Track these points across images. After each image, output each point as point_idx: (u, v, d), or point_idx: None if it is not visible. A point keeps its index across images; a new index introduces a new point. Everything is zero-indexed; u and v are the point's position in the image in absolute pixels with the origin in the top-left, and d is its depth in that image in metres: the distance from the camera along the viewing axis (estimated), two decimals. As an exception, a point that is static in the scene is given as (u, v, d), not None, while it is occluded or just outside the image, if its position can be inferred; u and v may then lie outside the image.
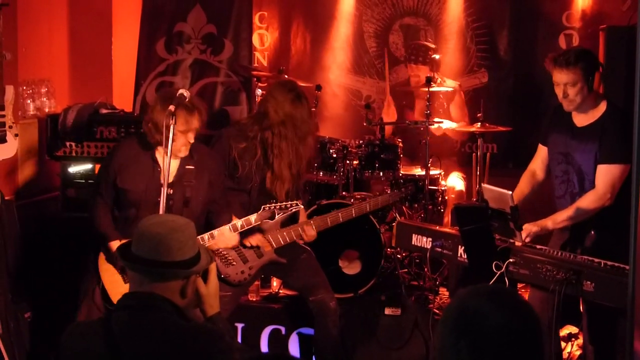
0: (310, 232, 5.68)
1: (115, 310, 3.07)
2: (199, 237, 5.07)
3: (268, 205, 5.23)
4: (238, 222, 5.24)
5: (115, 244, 5.10)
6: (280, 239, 5.63)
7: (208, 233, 5.20)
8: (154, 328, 2.97)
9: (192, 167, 5.22)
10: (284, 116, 5.54)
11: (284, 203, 5.25)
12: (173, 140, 4.76)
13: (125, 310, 3.04)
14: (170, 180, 5.10)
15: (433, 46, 7.89)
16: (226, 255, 5.52)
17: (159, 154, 5.16)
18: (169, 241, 3.08)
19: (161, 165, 5.10)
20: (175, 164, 5.19)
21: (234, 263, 5.56)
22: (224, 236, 5.26)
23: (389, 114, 8.24)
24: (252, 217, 5.23)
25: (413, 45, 8.14)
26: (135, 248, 3.12)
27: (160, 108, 5.00)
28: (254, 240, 5.56)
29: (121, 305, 3.08)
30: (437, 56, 7.80)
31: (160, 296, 3.04)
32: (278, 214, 5.22)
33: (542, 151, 5.33)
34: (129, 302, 3.07)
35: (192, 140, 5.12)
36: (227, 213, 5.39)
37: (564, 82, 4.93)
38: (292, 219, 5.70)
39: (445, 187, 7.27)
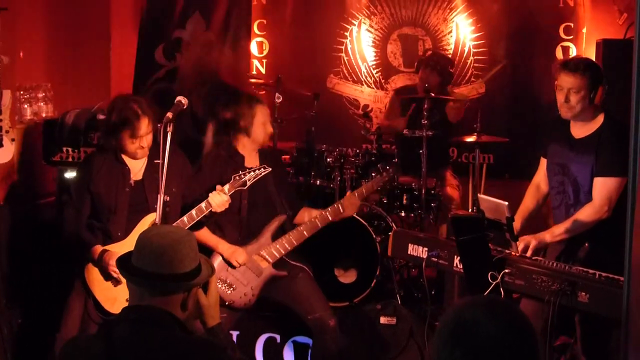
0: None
1: (116, 324, 3.03)
2: (195, 208, 5.20)
3: (238, 174, 5.28)
4: (223, 188, 5.26)
5: (98, 249, 5.18)
6: (275, 252, 5.62)
7: (204, 202, 5.23)
8: (155, 342, 2.93)
9: (159, 161, 5.25)
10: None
11: (253, 168, 5.31)
12: (126, 146, 5.16)
13: (126, 324, 2.99)
14: (141, 176, 5.31)
15: (452, 61, 7.89)
16: (226, 281, 5.52)
17: (125, 156, 5.30)
18: (171, 253, 3.04)
19: (129, 165, 5.29)
20: (142, 161, 5.32)
21: (236, 287, 5.55)
22: (216, 199, 5.23)
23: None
24: (226, 187, 5.26)
25: (434, 53, 8.19)
26: (136, 260, 3.08)
27: (118, 113, 5.15)
28: (239, 257, 5.54)
29: (121, 319, 3.04)
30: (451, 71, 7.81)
31: (161, 309, 3.00)
32: (249, 180, 5.26)
33: (543, 164, 5.35)
34: (129, 316, 3.02)
35: (144, 145, 5.18)
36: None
37: (568, 87, 4.93)
38: (282, 230, 5.72)
39: (442, 198, 7.26)
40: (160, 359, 2.91)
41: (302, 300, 5.68)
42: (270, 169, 5.41)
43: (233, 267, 5.55)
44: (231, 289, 5.53)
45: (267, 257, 5.60)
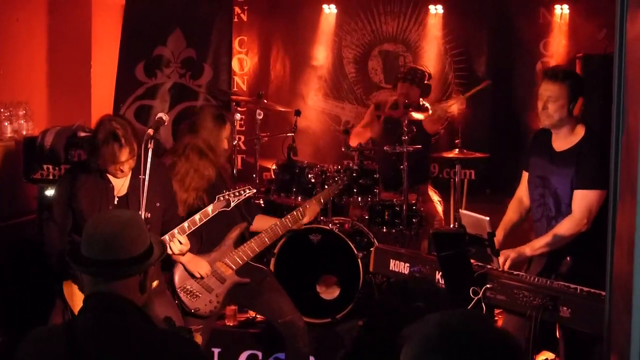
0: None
1: (78, 314, 3.03)
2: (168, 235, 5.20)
3: (222, 195, 5.31)
4: (196, 216, 5.28)
5: None
6: (238, 259, 5.65)
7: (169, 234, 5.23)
8: (121, 332, 2.93)
9: (143, 177, 5.21)
10: None
11: (237, 190, 5.35)
12: (107, 167, 5.03)
13: (88, 313, 2.99)
14: (124, 192, 5.22)
15: (428, 72, 7.89)
16: (190, 289, 5.53)
17: (109, 174, 5.21)
18: (122, 237, 3.04)
19: (112, 182, 5.18)
20: (127, 177, 5.25)
21: (200, 295, 5.56)
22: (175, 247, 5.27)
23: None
24: (209, 208, 5.31)
25: (410, 67, 8.22)
26: (87, 250, 3.05)
27: (101, 137, 5.04)
28: (202, 269, 5.54)
29: (83, 308, 3.03)
30: (429, 84, 7.80)
31: (121, 297, 3.00)
32: (233, 201, 5.33)
33: (526, 177, 5.36)
34: (90, 304, 3.02)
35: (125, 170, 5.13)
36: (177, 220, 5.37)
37: (547, 95, 4.95)
38: (242, 239, 5.75)
39: (424, 214, 7.26)
40: (127, 349, 2.90)
41: (271, 305, 5.75)
42: (255, 190, 5.45)
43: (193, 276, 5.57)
44: (196, 297, 5.54)
45: (230, 264, 5.64)
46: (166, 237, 5.21)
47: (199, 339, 3.35)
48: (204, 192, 5.58)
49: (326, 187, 6.71)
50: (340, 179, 6.65)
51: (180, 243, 5.23)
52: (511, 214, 5.37)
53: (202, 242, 5.66)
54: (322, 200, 6.18)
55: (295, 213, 5.86)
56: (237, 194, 5.35)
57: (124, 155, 5.03)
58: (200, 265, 5.54)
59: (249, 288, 5.73)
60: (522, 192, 5.39)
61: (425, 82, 7.73)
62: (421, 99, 7.65)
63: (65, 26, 8.16)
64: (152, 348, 2.92)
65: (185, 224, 5.26)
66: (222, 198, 5.33)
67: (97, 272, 3.03)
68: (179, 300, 5.52)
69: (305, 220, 5.92)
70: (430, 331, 2.24)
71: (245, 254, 5.67)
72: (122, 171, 5.12)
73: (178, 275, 5.54)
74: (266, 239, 5.74)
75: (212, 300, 5.59)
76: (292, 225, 5.89)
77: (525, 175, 5.37)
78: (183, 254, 5.35)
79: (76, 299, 5.18)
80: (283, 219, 5.83)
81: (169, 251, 5.25)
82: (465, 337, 2.20)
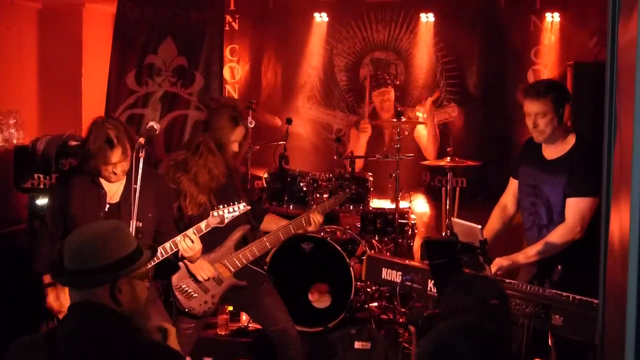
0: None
1: (61, 322, 3.08)
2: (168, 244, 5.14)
3: (216, 210, 5.28)
4: (189, 231, 5.22)
5: None
6: (237, 261, 5.61)
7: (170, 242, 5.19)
8: (102, 340, 2.93)
9: (137, 186, 5.16)
10: None
11: (232, 206, 5.30)
12: (100, 171, 4.96)
13: (71, 321, 3.00)
14: (117, 200, 5.15)
15: (393, 72, 7.90)
16: (187, 289, 5.49)
17: (102, 178, 5.14)
18: (83, 249, 3.05)
19: (105, 188, 5.12)
20: (119, 184, 5.18)
21: (196, 295, 5.53)
22: (184, 244, 5.21)
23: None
24: (202, 224, 5.25)
25: (379, 74, 8.25)
26: (65, 262, 3.10)
27: (93, 138, 4.99)
28: (205, 272, 5.52)
29: (65, 317, 3.05)
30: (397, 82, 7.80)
31: (103, 306, 3.00)
32: (227, 217, 5.28)
33: (513, 184, 5.36)
34: (73, 313, 3.02)
35: (118, 172, 5.09)
36: (175, 232, 5.32)
37: (534, 113, 4.98)
38: (244, 241, 5.71)
39: (415, 221, 7.27)
40: (109, 356, 2.90)
41: (266, 312, 5.71)
42: (250, 207, 5.41)
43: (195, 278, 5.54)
44: (191, 296, 5.51)
45: (229, 266, 5.60)
46: (177, 238, 5.18)
47: None
48: (213, 194, 5.54)
49: (325, 197, 6.72)
50: (348, 187, 6.62)
51: (192, 242, 5.18)
52: (494, 222, 5.37)
53: (204, 241, 5.64)
54: (327, 209, 6.12)
55: (299, 220, 5.81)
56: (232, 210, 5.30)
57: (116, 156, 4.97)
58: (203, 268, 5.51)
59: (245, 292, 5.69)
60: (508, 199, 5.39)
61: (394, 80, 7.72)
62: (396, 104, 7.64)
63: (56, 35, 8.15)
64: (135, 357, 2.91)
65: (178, 238, 5.22)
66: (216, 214, 5.29)
67: (65, 282, 3.15)
68: (174, 299, 5.48)
69: (310, 229, 5.86)
70: (426, 347, 2.25)
71: (245, 257, 5.63)
72: (115, 173, 5.06)
73: (176, 273, 5.51)
74: (267, 244, 5.70)
75: (208, 301, 5.56)
76: (296, 232, 5.85)
77: (512, 181, 5.38)
78: (194, 256, 5.27)
79: (57, 305, 5.14)
80: (287, 225, 5.78)
81: (181, 250, 5.22)
82: (452, 353, 2.20)
